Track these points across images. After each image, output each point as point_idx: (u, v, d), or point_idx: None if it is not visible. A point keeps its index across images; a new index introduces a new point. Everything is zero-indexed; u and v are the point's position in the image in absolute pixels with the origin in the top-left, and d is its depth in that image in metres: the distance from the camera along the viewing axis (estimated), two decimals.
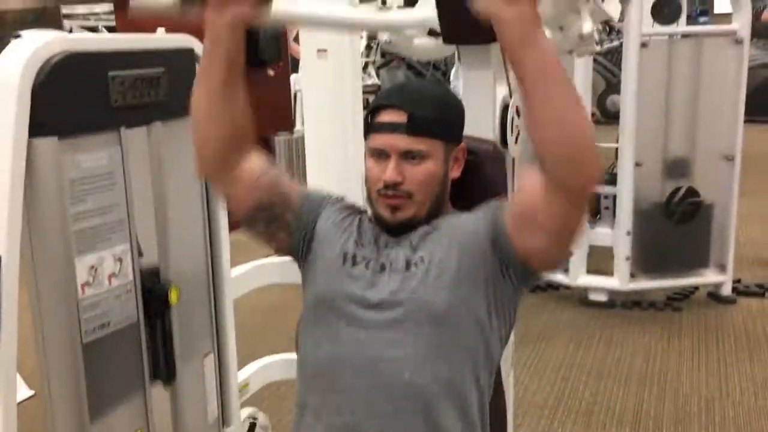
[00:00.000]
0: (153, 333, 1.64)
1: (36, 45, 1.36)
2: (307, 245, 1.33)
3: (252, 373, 2.30)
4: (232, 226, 1.83)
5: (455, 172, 1.31)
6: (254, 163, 1.32)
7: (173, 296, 1.65)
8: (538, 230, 1.16)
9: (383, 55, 9.18)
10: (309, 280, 1.33)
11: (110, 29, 7.35)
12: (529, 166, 1.16)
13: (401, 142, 1.23)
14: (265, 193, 1.31)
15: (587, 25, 1.83)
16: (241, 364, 2.17)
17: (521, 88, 1.08)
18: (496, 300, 1.24)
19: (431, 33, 1.87)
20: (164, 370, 1.66)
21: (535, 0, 1.01)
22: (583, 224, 1.19)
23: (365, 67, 6.52)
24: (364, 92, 5.04)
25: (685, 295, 4.01)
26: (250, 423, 2.26)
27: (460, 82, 6.60)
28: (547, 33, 1.77)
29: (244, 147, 1.30)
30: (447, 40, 1.71)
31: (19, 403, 1.37)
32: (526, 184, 1.19)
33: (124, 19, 5.48)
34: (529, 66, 1.04)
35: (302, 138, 4.57)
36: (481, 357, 1.23)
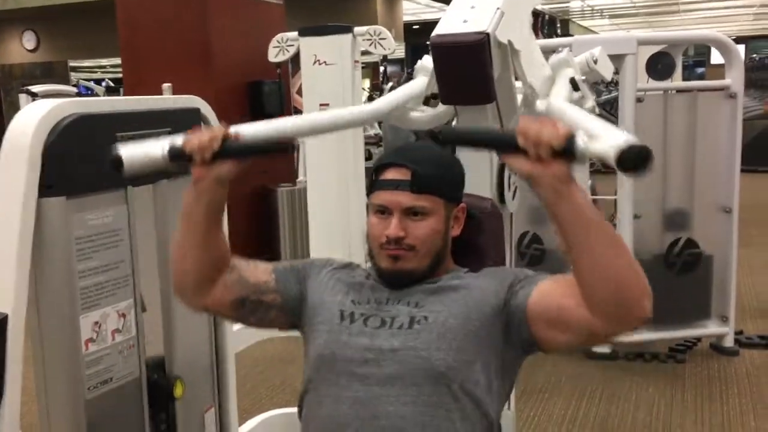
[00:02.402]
0: (154, 381, 1.65)
1: (48, 108, 1.41)
2: (301, 313, 1.36)
3: (253, 428, 2.29)
4: None
5: (455, 231, 1.35)
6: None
7: (178, 390, 1.68)
8: (565, 333, 1.19)
9: None
10: (309, 341, 1.35)
11: (115, 81, 7.48)
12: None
13: (405, 199, 1.27)
14: (236, 291, 1.36)
15: (589, 102, 1.91)
16: (242, 419, 2.16)
17: (562, 241, 1.11)
18: (498, 363, 1.26)
19: (426, 102, 1.92)
20: (165, 427, 1.67)
21: (566, 161, 1.05)
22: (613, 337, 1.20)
23: None
24: (365, 143, 5.10)
25: (688, 346, 3.99)
26: None
27: None
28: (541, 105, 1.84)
29: (219, 275, 1.35)
30: (445, 101, 1.76)
31: None
32: (563, 286, 1.19)
33: (131, 71, 5.61)
34: (565, 219, 1.09)
35: (304, 189, 4.64)
36: (480, 417, 1.24)
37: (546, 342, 1.23)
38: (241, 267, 1.38)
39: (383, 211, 1.29)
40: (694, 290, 3.88)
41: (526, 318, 1.22)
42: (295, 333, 1.43)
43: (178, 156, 1.23)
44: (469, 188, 1.61)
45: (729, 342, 3.96)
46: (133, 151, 1.25)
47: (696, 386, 3.58)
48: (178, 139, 1.25)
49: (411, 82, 1.96)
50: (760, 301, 4.61)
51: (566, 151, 1.03)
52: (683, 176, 3.81)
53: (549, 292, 1.22)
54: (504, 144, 1.08)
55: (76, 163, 1.45)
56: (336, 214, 4.12)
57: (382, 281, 1.32)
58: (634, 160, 1.02)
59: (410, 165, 1.28)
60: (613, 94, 7.44)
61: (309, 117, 1.85)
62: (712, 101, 3.78)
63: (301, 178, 5.79)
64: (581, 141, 1.03)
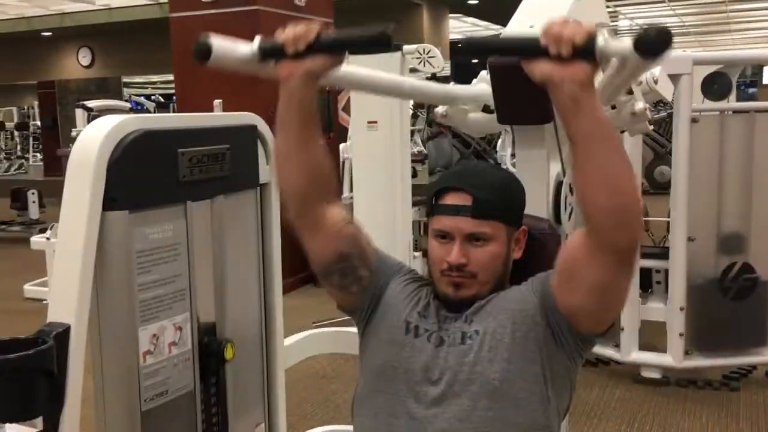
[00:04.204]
0: (207, 396, 1.67)
1: (113, 124, 1.44)
2: (374, 306, 1.36)
3: None
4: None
5: (517, 254, 1.34)
6: (336, 214, 1.35)
7: (229, 352, 1.67)
8: (580, 286, 1.18)
9: (430, 124, 9.35)
10: (370, 346, 1.34)
11: (165, 97, 7.64)
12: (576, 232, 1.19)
13: (466, 225, 1.26)
14: (345, 244, 1.35)
15: (640, 104, 1.86)
16: None
17: (572, 149, 1.11)
18: (551, 369, 1.24)
19: (485, 109, 1.91)
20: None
21: (589, 65, 1.04)
22: (627, 285, 1.20)
23: (411, 135, 6.64)
24: (411, 161, 5.09)
25: (743, 374, 3.88)
26: None
27: (507, 152, 6.62)
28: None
29: (324, 194, 1.34)
30: (502, 120, 1.75)
31: None
32: (569, 242, 1.21)
33: (182, 86, 5.70)
34: (581, 128, 1.07)
35: (350, 205, 4.66)
36: (539, 428, 1.22)
37: (574, 311, 1.21)
38: (359, 229, 1.38)
39: (444, 236, 1.28)
40: (750, 316, 3.77)
41: (552, 294, 1.22)
42: (344, 351, 1.43)
43: (269, 49, 1.21)
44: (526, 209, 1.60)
45: None
46: (223, 43, 1.23)
47: (750, 416, 3.48)
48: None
49: (473, 85, 1.97)
50: None
51: (587, 50, 1.01)
52: (740, 198, 3.72)
53: (558, 263, 1.24)
54: (526, 45, 1.06)
55: (138, 177, 1.48)
56: (382, 232, 4.13)
57: (444, 306, 1.31)
58: (651, 42, 0.99)
59: (471, 190, 1.27)
60: (663, 113, 7.31)
61: (393, 77, 1.87)
62: None
63: (346, 194, 5.83)
64: (602, 39, 1.01)
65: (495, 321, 1.25)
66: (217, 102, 4.93)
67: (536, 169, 1.75)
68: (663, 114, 7.33)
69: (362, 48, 1.25)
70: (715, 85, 3.84)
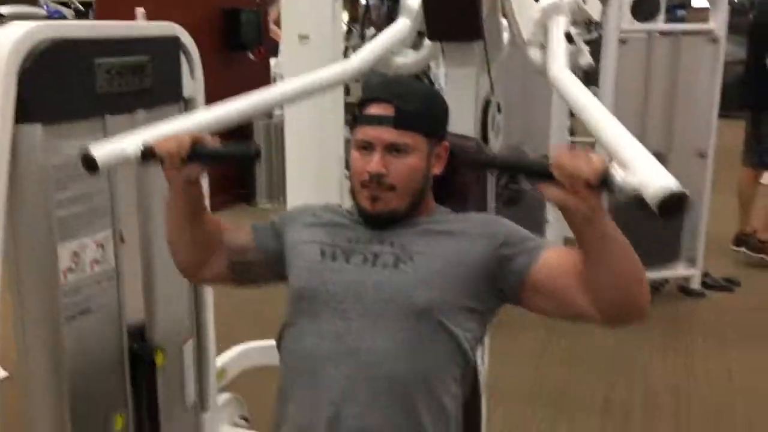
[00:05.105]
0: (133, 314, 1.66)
1: (22, 32, 1.36)
2: (285, 262, 1.39)
3: (229, 360, 2.32)
4: None
5: (437, 169, 1.34)
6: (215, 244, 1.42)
7: (159, 359, 1.71)
8: (556, 307, 1.23)
9: (362, 38, 9.15)
10: (291, 279, 1.35)
11: (84, 5, 7.23)
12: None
13: (388, 135, 1.26)
14: (224, 258, 1.41)
15: (585, 58, 1.87)
16: (218, 351, 2.18)
17: (582, 255, 1.14)
18: (479, 306, 1.28)
19: (413, 45, 1.86)
20: (144, 358, 1.68)
21: (598, 192, 1.05)
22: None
23: (345, 51, 6.51)
24: None
25: (656, 287, 4.09)
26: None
27: (440, 71, 6.54)
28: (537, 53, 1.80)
29: (212, 254, 1.41)
30: (432, 36, 1.73)
31: None
32: (569, 268, 1.19)
33: None
34: (591, 241, 1.11)
35: (281, 123, 4.57)
36: (459, 353, 1.26)
37: (531, 306, 1.26)
38: (225, 235, 1.42)
39: (366, 146, 1.28)
40: (665, 233, 3.94)
41: (522, 284, 1.24)
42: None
43: (150, 157, 1.30)
44: (453, 128, 1.60)
45: (696, 284, 4.06)
46: (106, 149, 1.33)
47: (663, 326, 3.69)
48: (151, 140, 1.31)
49: (393, 27, 1.89)
50: (727, 244, 4.71)
51: (602, 186, 1.04)
52: (663, 120, 3.83)
53: (554, 267, 1.23)
54: (540, 175, 1.09)
55: (52, 89, 1.41)
56: (313, 149, 4.08)
57: (363, 221, 1.32)
58: (674, 207, 1.05)
59: (394, 101, 1.27)
60: (594, 34, 7.37)
61: (287, 86, 1.74)
62: (694, 45, 3.77)
63: (277, 111, 5.72)
64: (618, 177, 1.03)
65: (434, 254, 1.26)
66: (140, 11, 4.69)
67: (465, 87, 1.74)
68: (594, 35, 7.38)
69: (234, 158, 1.47)
70: (644, 6, 3.87)
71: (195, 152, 1.28)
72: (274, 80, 5.58)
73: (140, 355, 1.68)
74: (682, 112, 3.81)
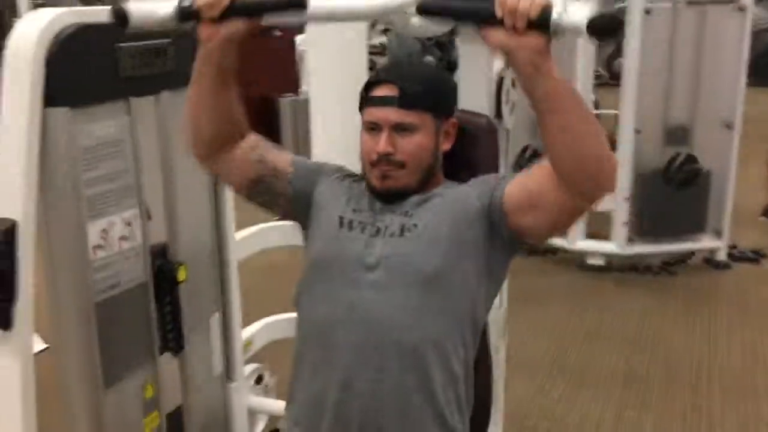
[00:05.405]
0: (162, 302, 1.73)
1: (48, 18, 1.41)
2: (306, 211, 1.41)
3: (256, 332, 2.39)
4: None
5: (446, 145, 1.38)
6: (243, 143, 1.39)
7: (182, 274, 1.74)
8: (540, 215, 1.24)
9: None
10: (309, 244, 1.40)
11: None
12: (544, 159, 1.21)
13: (393, 115, 1.30)
14: (253, 170, 1.39)
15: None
16: (244, 324, 2.25)
17: (537, 116, 1.13)
18: (486, 265, 1.32)
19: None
20: (173, 336, 1.75)
21: (544, 36, 1.06)
22: (585, 211, 1.25)
23: (372, 26, 6.50)
24: (370, 53, 5.03)
25: (681, 260, 4.08)
26: (257, 376, 2.37)
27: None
28: None
29: (233, 140, 1.37)
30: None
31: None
32: (535, 175, 1.24)
33: None
34: (541, 95, 1.10)
35: (307, 100, 4.60)
36: (468, 318, 1.31)
37: (524, 230, 1.28)
38: (264, 148, 1.41)
39: (373, 127, 1.32)
40: (691, 205, 3.93)
41: (504, 211, 1.27)
42: (295, 243, 1.49)
43: (186, 14, 1.22)
44: (467, 104, 1.63)
45: (722, 256, 4.05)
46: (141, 7, 1.23)
47: (686, 298, 3.70)
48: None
49: None
50: (754, 216, 4.67)
51: (542, 22, 1.05)
52: (688, 91, 3.80)
53: (522, 182, 1.27)
54: (481, 14, 1.09)
55: (78, 73, 1.47)
56: (338, 126, 4.11)
57: (375, 198, 1.36)
58: (604, 26, 1.03)
59: (398, 81, 1.30)
60: (622, 5, 7.25)
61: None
62: (721, 14, 3.71)
63: (304, 88, 5.74)
64: (556, 13, 1.04)
65: (435, 217, 1.30)
66: None
67: (478, 64, 1.76)
68: (623, 4, 7.26)
69: (277, 11, 1.24)
70: None
71: (235, 5, 1.20)
72: (300, 57, 5.60)
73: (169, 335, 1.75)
74: (707, 83, 3.77)
